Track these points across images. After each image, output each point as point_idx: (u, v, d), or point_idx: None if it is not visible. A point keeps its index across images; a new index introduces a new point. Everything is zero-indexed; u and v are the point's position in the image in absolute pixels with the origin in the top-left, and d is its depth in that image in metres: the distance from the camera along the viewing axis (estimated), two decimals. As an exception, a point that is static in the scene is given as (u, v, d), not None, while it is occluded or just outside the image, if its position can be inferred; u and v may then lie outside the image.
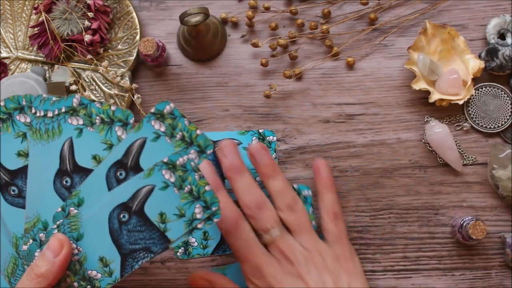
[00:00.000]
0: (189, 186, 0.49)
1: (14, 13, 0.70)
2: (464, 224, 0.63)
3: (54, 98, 0.51)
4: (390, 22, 0.69)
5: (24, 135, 0.50)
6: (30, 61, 0.69)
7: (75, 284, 0.49)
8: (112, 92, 0.67)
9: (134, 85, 0.67)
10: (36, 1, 0.69)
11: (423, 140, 0.68)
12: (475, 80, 0.67)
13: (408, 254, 0.66)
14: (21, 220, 0.49)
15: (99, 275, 0.49)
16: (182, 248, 0.65)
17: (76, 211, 0.48)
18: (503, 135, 0.67)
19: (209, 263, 0.67)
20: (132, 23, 0.68)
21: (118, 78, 0.66)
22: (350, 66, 0.69)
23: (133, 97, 0.67)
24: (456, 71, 0.65)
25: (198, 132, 0.49)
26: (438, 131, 0.66)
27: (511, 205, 0.66)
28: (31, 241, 0.48)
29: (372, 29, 0.69)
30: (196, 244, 0.65)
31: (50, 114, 0.50)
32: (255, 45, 0.68)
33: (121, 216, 0.49)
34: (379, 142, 0.68)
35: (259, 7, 0.70)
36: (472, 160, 0.67)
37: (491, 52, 0.66)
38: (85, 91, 0.68)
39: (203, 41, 0.68)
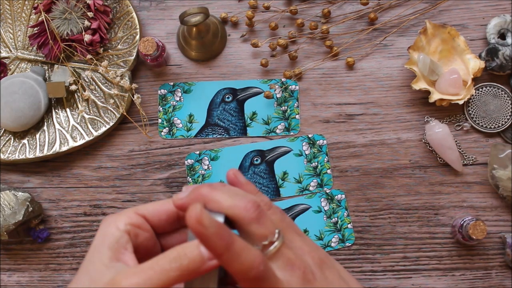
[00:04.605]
0: (315, 164, 0.67)
1: (14, 13, 0.70)
2: (464, 224, 0.63)
3: None
4: (390, 22, 0.69)
5: None
6: (29, 61, 0.69)
7: None
8: (112, 92, 0.67)
9: (134, 85, 0.67)
10: (36, 1, 0.69)
11: (423, 140, 0.68)
12: (475, 80, 0.67)
13: (408, 254, 0.66)
14: None
15: None
16: (167, 128, 0.67)
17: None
18: (503, 135, 0.67)
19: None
20: (132, 23, 0.68)
21: (118, 78, 0.66)
22: (350, 66, 0.69)
23: (133, 97, 0.67)
24: (456, 71, 0.65)
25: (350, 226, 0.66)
26: (438, 131, 0.66)
27: (511, 205, 0.66)
28: None
29: (372, 29, 0.69)
30: (181, 125, 0.67)
31: None
32: (255, 45, 0.68)
33: (255, 159, 0.67)
34: (379, 142, 0.68)
35: (259, 7, 0.69)
36: (472, 160, 0.67)
37: (491, 52, 0.66)
38: (85, 91, 0.68)
39: (203, 41, 0.68)
